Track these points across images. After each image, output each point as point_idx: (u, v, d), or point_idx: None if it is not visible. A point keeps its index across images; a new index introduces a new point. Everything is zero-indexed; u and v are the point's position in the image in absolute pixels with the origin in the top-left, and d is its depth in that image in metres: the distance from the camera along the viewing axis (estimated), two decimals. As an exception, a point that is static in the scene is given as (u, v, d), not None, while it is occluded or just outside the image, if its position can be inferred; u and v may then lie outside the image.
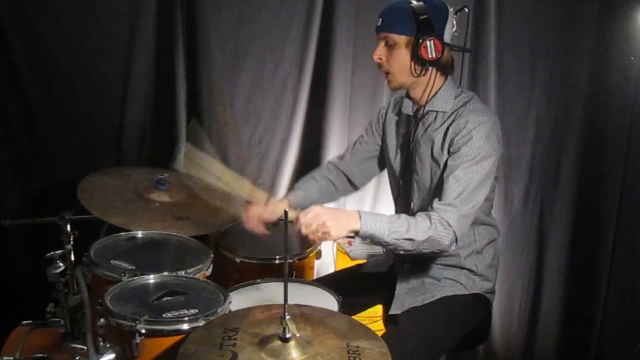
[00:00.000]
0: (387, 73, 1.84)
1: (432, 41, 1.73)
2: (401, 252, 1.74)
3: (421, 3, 1.74)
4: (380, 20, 1.80)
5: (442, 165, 1.82)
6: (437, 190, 1.83)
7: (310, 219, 1.65)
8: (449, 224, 1.70)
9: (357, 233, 1.69)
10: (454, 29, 1.81)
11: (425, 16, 1.72)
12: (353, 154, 2.14)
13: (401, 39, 1.76)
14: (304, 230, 1.66)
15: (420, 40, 1.73)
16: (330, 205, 2.68)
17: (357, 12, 2.66)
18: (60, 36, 2.61)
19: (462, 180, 1.74)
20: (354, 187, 2.17)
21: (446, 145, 1.81)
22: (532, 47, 2.57)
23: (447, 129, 1.81)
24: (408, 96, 1.92)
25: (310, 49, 2.71)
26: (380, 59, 1.81)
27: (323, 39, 2.70)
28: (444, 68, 1.84)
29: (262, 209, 1.93)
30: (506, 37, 2.58)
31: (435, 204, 1.74)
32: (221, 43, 2.66)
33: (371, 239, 1.72)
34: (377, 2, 2.58)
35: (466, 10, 1.85)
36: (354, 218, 1.68)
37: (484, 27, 2.57)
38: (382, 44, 1.80)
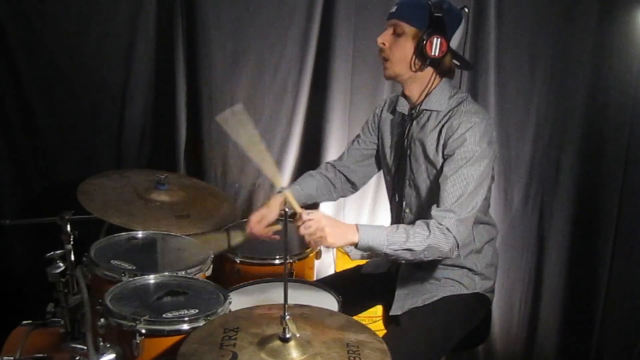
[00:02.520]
0: (386, 60, 1.83)
1: (439, 39, 1.73)
2: (403, 261, 1.73)
3: (440, 2, 1.75)
4: (396, 7, 1.80)
5: (437, 166, 1.81)
6: (431, 190, 1.83)
7: (311, 221, 1.65)
8: (448, 230, 1.70)
9: (355, 246, 1.69)
10: (461, 38, 1.82)
11: (440, 15, 1.73)
12: (350, 152, 2.14)
13: (410, 30, 1.77)
14: (302, 231, 1.66)
15: (428, 36, 1.73)
16: (329, 205, 2.75)
17: (357, 12, 2.65)
18: (60, 37, 2.61)
19: (458, 185, 1.73)
20: (353, 186, 2.17)
21: (440, 146, 1.80)
22: (532, 47, 2.56)
23: (441, 129, 1.81)
24: (403, 95, 1.92)
25: (310, 49, 2.71)
26: (384, 44, 1.81)
27: (323, 39, 2.69)
28: (444, 72, 1.85)
29: (264, 211, 1.95)
30: (506, 37, 2.57)
31: (434, 210, 1.73)
32: (221, 43, 2.66)
33: (371, 251, 1.72)
34: (377, 2, 2.60)
35: (466, 10, 1.86)
36: (352, 231, 1.68)
37: (484, 27, 2.57)
38: (391, 30, 1.80)
